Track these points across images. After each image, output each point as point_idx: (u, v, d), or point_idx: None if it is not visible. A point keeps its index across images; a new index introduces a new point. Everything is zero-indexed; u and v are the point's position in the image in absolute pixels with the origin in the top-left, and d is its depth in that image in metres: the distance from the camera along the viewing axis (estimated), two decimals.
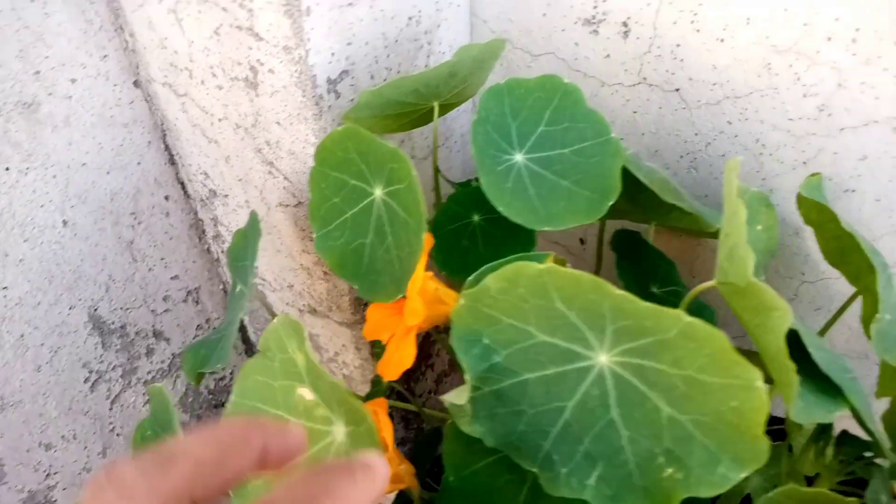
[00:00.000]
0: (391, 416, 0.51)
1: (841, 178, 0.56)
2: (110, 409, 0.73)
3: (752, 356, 0.41)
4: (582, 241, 0.79)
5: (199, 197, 0.72)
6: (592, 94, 0.64)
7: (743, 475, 0.35)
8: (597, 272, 0.62)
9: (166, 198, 0.70)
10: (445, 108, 0.55)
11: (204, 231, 0.76)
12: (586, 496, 0.37)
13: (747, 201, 0.46)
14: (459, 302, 0.37)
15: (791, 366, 0.34)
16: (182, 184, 0.72)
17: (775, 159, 0.58)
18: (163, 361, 0.78)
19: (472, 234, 0.50)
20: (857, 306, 0.52)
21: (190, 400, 0.83)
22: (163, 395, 0.48)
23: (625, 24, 0.58)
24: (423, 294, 0.41)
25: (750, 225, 0.46)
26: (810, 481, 0.53)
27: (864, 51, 0.49)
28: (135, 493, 0.19)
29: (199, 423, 0.85)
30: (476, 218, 0.50)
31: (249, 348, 0.90)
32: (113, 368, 0.71)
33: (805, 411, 0.37)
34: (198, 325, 0.81)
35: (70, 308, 0.66)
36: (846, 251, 0.52)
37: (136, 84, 0.64)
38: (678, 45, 0.56)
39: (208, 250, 0.78)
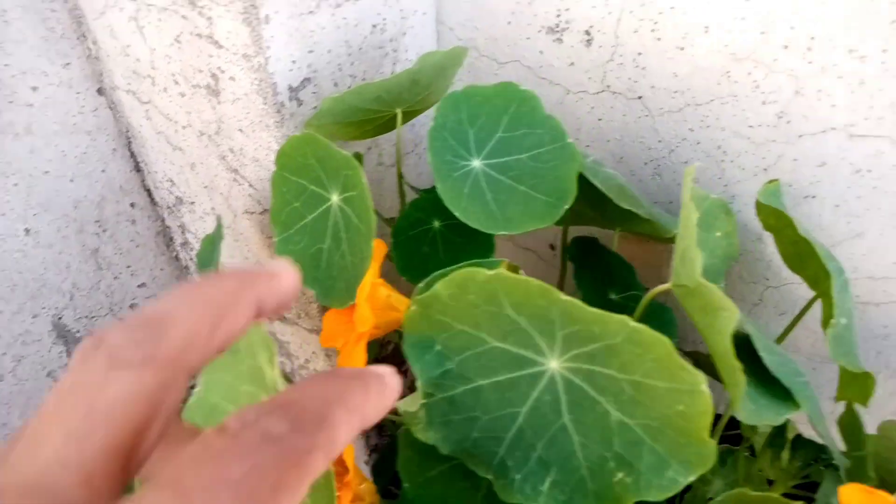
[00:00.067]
0: None
1: (801, 184, 0.57)
2: None
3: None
4: (552, 247, 0.79)
5: (166, 204, 0.71)
6: (558, 101, 0.65)
7: (691, 478, 0.35)
8: (562, 278, 0.62)
9: (132, 205, 0.70)
10: (410, 115, 0.55)
11: (172, 238, 0.75)
12: (540, 502, 0.37)
13: (707, 208, 0.46)
14: (411, 308, 0.37)
15: (737, 365, 0.34)
16: (148, 191, 0.71)
17: (736, 166, 0.58)
18: None
19: (432, 239, 0.50)
20: (819, 311, 0.53)
21: None
22: None
23: (587, 33, 0.58)
24: (374, 300, 0.41)
25: (709, 231, 0.46)
26: (801, 487, 0.53)
27: (820, 59, 0.50)
28: (128, 361, 0.17)
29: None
30: (436, 224, 0.50)
31: None
32: None
33: (755, 413, 0.37)
34: None
35: (34, 317, 0.65)
36: (804, 257, 0.53)
37: (100, 91, 0.64)
38: (640, 54, 0.57)
39: (177, 258, 0.77)
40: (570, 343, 0.36)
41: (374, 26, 0.57)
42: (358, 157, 0.54)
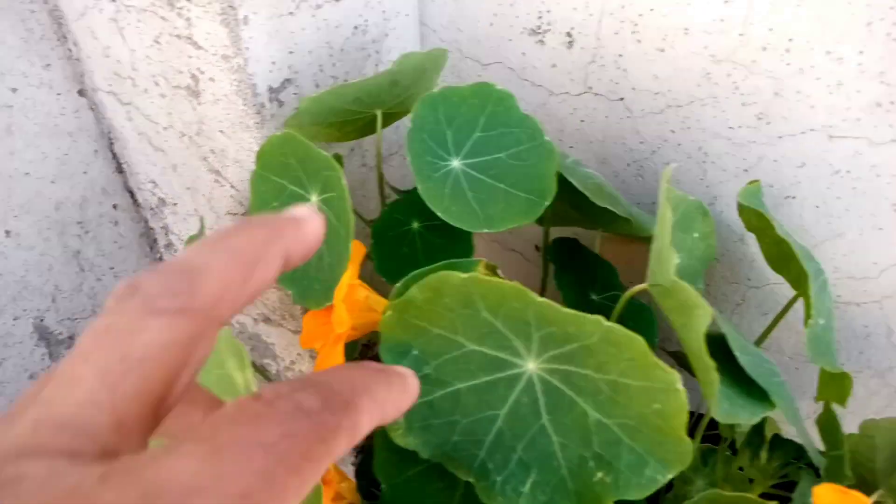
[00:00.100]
0: None
1: (782, 185, 0.57)
2: None
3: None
4: (538, 248, 0.79)
5: (149, 206, 0.71)
6: (541, 102, 0.65)
7: (670, 476, 0.36)
8: (544, 279, 0.62)
9: (115, 207, 0.70)
10: (392, 117, 0.55)
11: (155, 240, 0.75)
12: (521, 503, 0.37)
13: (685, 210, 0.46)
14: (386, 313, 0.37)
15: (711, 364, 0.34)
16: (131, 192, 0.71)
17: (718, 167, 0.59)
18: None
19: (411, 241, 0.50)
20: (802, 311, 0.53)
21: None
22: None
23: (569, 35, 0.58)
24: (352, 302, 0.41)
25: (687, 233, 0.46)
26: (780, 487, 0.54)
27: (798, 60, 0.50)
28: (164, 310, 0.17)
29: None
30: (415, 225, 0.50)
31: None
32: None
33: (730, 413, 0.38)
34: None
35: (14, 319, 0.65)
36: (785, 257, 0.53)
37: (82, 93, 0.63)
38: (620, 56, 0.57)
39: (161, 259, 0.77)
40: (547, 344, 0.36)
41: (356, 28, 0.57)
42: (338, 158, 0.54)
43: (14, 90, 0.58)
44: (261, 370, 0.80)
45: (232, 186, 0.59)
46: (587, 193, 0.47)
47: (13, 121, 0.59)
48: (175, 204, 0.67)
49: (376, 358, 0.77)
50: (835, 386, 0.51)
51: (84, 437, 0.16)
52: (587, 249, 0.62)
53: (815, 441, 0.53)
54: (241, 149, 0.55)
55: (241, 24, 0.47)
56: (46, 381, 0.18)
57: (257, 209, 0.48)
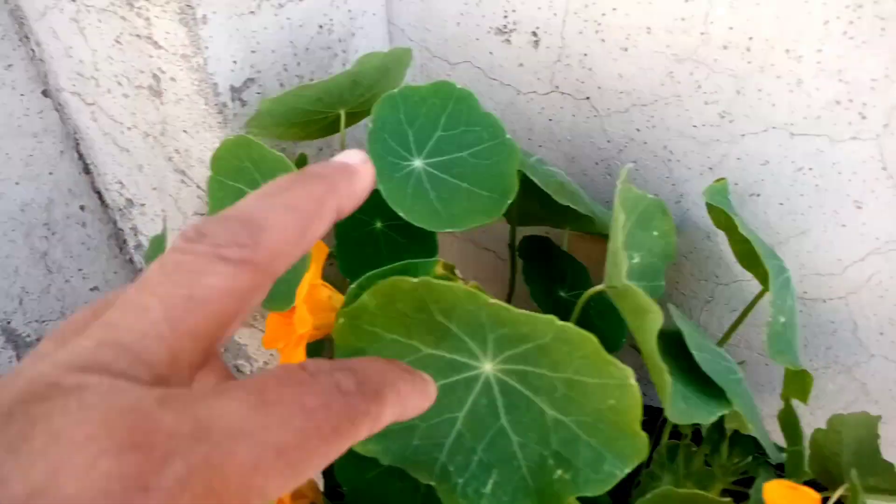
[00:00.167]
0: None
1: (746, 182, 0.57)
2: None
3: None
4: (511, 247, 0.79)
5: (117, 206, 0.71)
6: (509, 102, 0.65)
7: (627, 470, 0.36)
8: (513, 277, 0.62)
9: (82, 208, 0.69)
10: (356, 116, 0.55)
11: (125, 241, 0.75)
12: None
13: (645, 208, 0.46)
14: (339, 321, 0.37)
15: (663, 367, 0.34)
16: (99, 193, 0.70)
17: (683, 165, 0.59)
18: None
19: (375, 241, 0.50)
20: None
21: None
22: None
23: (534, 34, 0.58)
24: (313, 302, 0.41)
25: (646, 231, 0.46)
26: (742, 483, 0.54)
27: (758, 59, 0.50)
28: (228, 257, 0.18)
29: None
30: (379, 225, 0.50)
31: None
32: None
33: (686, 413, 0.38)
34: None
35: None
36: (751, 254, 0.53)
37: (46, 93, 0.63)
38: (585, 55, 0.57)
39: (131, 261, 0.76)
40: (502, 345, 0.36)
41: (321, 27, 0.56)
42: (302, 158, 0.54)
43: None
44: (234, 371, 0.79)
45: (198, 186, 0.59)
46: (549, 192, 0.47)
47: None
48: (143, 205, 0.67)
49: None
50: (797, 383, 0.52)
51: (141, 365, 0.17)
52: (557, 247, 0.62)
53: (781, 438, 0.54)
54: (205, 149, 0.55)
55: (199, 24, 0.46)
56: (111, 301, 0.19)
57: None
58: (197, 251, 0.18)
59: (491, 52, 0.62)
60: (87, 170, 0.68)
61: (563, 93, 0.61)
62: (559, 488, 0.37)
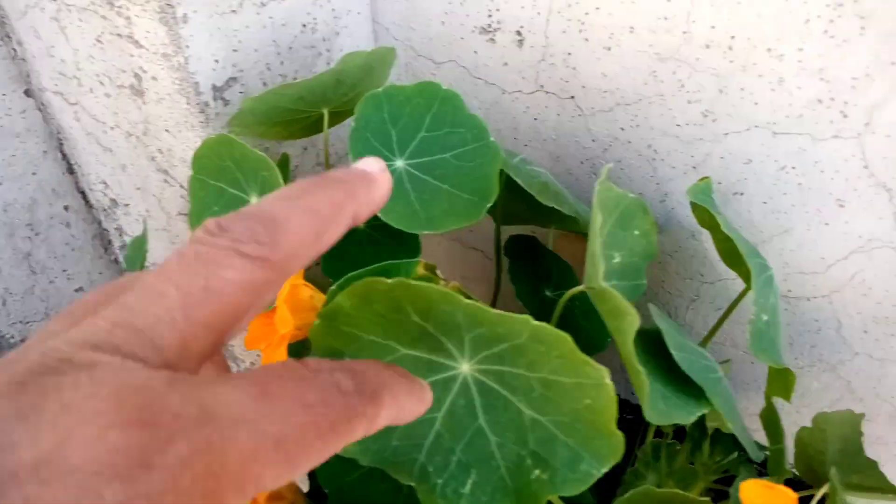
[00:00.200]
0: None
1: (729, 181, 0.57)
2: None
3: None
4: (497, 246, 0.79)
5: (102, 206, 0.70)
6: (494, 101, 0.65)
7: (604, 470, 0.36)
8: (498, 277, 0.62)
9: (66, 208, 0.69)
10: (340, 116, 0.55)
11: (110, 241, 0.74)
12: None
13: (625, 207, 0.46)
14: (315, 322, 0.36)
15: (640, 369, 0.34)
16: (83, 193, 0.70)
17: (667, 164, 0.59)
18: None
19: (358, 241, 0.50)
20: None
21: None
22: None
23: (518, 33, 0.58)
24: (294, 302, 0.41)
25: (627, 230, 0.46)
26: (724, 481, 0.54)
27: (740, 58, 0.50)
28: (249, 251, 0.19)
29: None
30: (362, 225, 0.50)
31: None
32: None
33: (665, 413, 0.38)
34: None
35: None
36: (734, 253, 0.53)
37: (28, 93, 0.62)
38: (569, 54, 0.57)
39: (116, 261, 0.76)
40: (479, 345, 0.36)
41: (305, 26, 0.56)
42: (285, 157, 0.54)
43: None
44: None
45: (181, 186, 0.59)
46: (532, 192, 0.47)
47: None
48: (127, 205, 0.67)
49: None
50: (780, 381, 0.52)
51: (152, 349, 0.17)
52: (543, 247, 0.62)
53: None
54: (187, 148, 0.54)
55: (179, 23, 0.46)
56: (115, 289, 0.20)
57: (197, 215, 0.48)
58: (217, 244, 0.19)
59: (476, 52, 0.62)
60: (70, 170, 0.68)
61: (547, 92, 0.61)
62: (537, 488, 0.37)
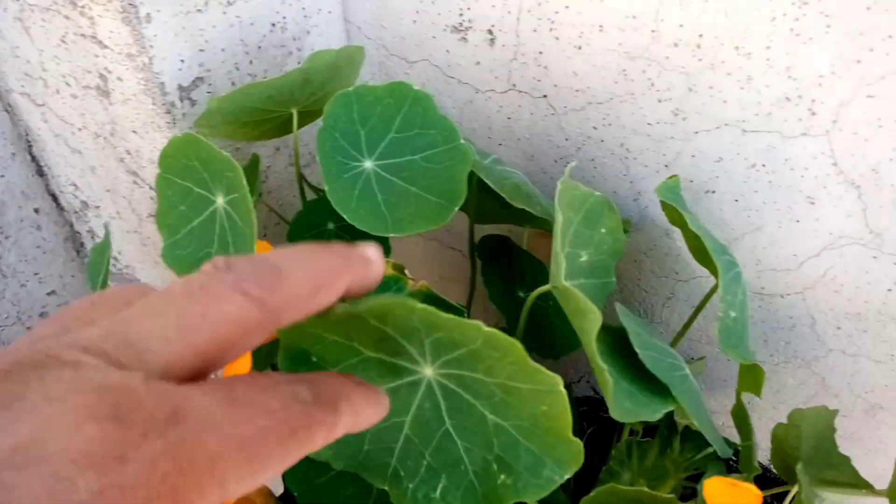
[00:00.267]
0: None
1: (701, 179, 0.57)
2: None
3: None
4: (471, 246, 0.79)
5: (73, 209, 0.69)
6: (468, 100, 0.64)
7: (567, 476, 0.36)
8: (473, 277, 0.62)
9: (36, 210, 0.68)
10: (310, 115, 0.54)
11: (82, 244, 0.73)
12: None
13: (591, 206, 0.46)
14: None
15: (603, 366, 0.34)
16: (53, 196, 0.69)
17: (639, 163, 0.59)
18: None
19: (327, 242, 0.49)
20: None
21: None
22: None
23: (490, 32, 0.58)
24: None
25: (594, 229, 0.46)
26: (695, 478, 0.54)
27: (709, 56, 0.50)
28: (249, 290, 0.20)
29: None
30: (331, 226, 0.50)
31: None
32: None
33: (631, 411, 0.38)
34: None
35: None
36: (703, 250, 0.53)
37: None
38: (541, 53, 0.57)
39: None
40: (438, 350, 0.35)
41: (274, 25, 0.56)
42: (255, 158, 0.54)
43: None
44: None
45: (150, 188, 0.58)
46: (503, 194, 0.47)
47: None
48: (97, 207, 0.66)
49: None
50: (750, 377, 0.52)
51: (138, 361, 0.18)
52: (516, 247, 0.62)
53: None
54: (155, 149, 0.54)
55: (143, 22, 0.45)
56: (123, 300, 0.21)
57: (165, 213, 0.47)
58: (222, 279, 0.20)
59: (448, 51, 0.62)
60: (40, 172, 0.67)
61: (520, 91, 0.61)
62: (502, 493, 0.37)
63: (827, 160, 0.51)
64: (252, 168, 0.53)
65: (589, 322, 0.34)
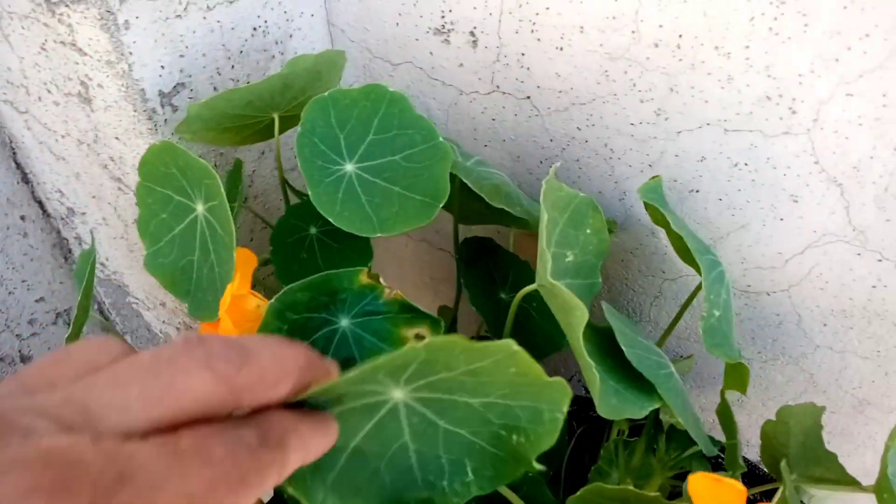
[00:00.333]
0: None
1: (685, 179, 0.58)
2: None
3: None
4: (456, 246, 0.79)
5: (59, 216, 0.69)
6: (452, 102, 0.64)
7: (565, 408, 0.35)
8: (459, 278, 0.62)
9: (22, 218, 0.68)
10: (292, 120, 0.54)
11: (70, 250, 0.73)
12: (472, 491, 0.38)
13: (576, 206, 0.46)
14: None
15: (590, 362, 0.34)
16: (40, 203, 0.69)
17: (624, 163, 0.59)
18: None
19: (310, 246, 0.49)
20: None
21: None
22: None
23: (472, 34, 0.58)
24: (240, 313, 0.41)
25: (579, 229, 0.46)
26: (682, 477, 0.54)
27: (689, 56, 0.51)
28: (217, 368, 0.20)
29: None
30: (313, 230, 0.50)
31: None
32: None
33: (616, 408, 0.38)
34: None
35: None
36: (686, 250, 0.54)
37: None
38: (523, 54, 0.57)
39: None
40: (397, 375, 0.35)
41: (255, 29, 0.56)
42: (238, 164, 0.54)
43: None
44: None
45: (135, 194, 0.58)
46: (482, 194, 0.47)
47: None
48: (83, 213, 0.66)
49: None
50: (735, 375, 0.52)
51: (92, 430, 0.18)
52: (500, 248, 0.62)
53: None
54: (138, 155, 0.54)
55: (121, 29, 0.45)
56: (92, 366, 0.21)
57: (146, 222, 0.47)
58: (191, 354, 0.20)
59: (431, 53, 0.62)
60: (25, 179, 0.67)
61: (504, 92, 0.61)
62: (522, 451, 0.37)
63: (809, 158, 0.51)
64: (235, 173, 0.53)
65: (576, 318, 0.34)
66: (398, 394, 0.35)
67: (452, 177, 0.48)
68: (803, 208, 0.54)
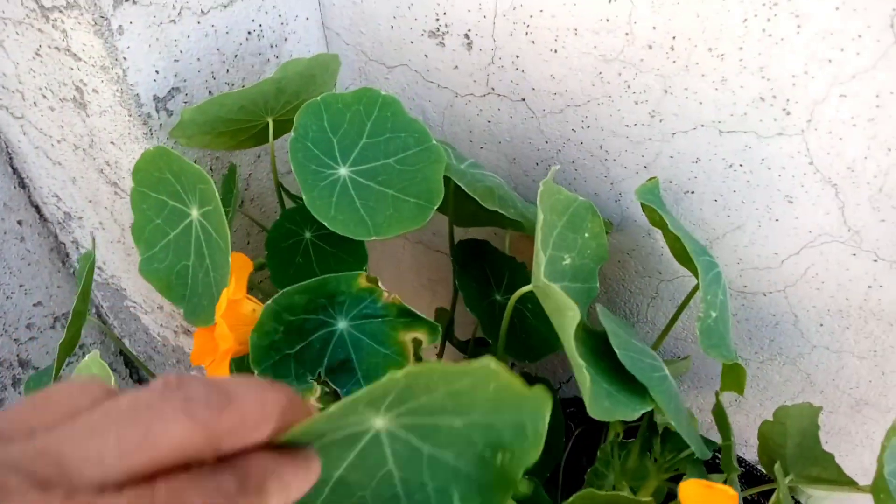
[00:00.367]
0: None
1: (680, 180, 0.58)
2: None
3: None
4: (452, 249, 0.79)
5: (56, 220, 0.69)
6: (448, 104, 0.65)
7: (547, 418, 0.35)
8: (455, 281, 0.62)
9: (19, 222, 0.68)
10: (286, 124, 0.54)
11: (67, 254, 0.73)
12: None
13: (574, 210, 0.46)
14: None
15: (581, 363, 0.34)
16: (37, 207, 0.69)
17: (619, 164, 0.59)
18: None
19: (305, 250, 0.49)
20: None
21: None
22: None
23: (467, 37, 0.58)
24: (235, 318, 0.41)
25: (577, 233, 0.46)
26: (678, 479, 0.54)
27: (682, 58, 0.51)
28: (196, 413, 0.20)
29: None
30: (308, 234, 0.50)
31: (133, 371, 0.87)
32: None
33: (609, 410, 0.38)
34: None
35: None
36: (683, 251, 0.54)
37: None
38: (517, 57, 0.57)
39: (74, 274, 0.75)
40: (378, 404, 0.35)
41: (250, 33, 0.56)
42: (232, 168, 0.54)
43: None
44: None
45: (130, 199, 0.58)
46: (475, 196, 0.47)
47: None
48: (80, 217, 0.66)
49: None
50: (732, 376, 0.52)
51: (65, 485, 0.18)
52: (495, 250, 0.62)
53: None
54: (133, 160, 0.54)
55: (115, 34, 0.45)
56: (70, 412, 0.20)
57: (141, 227, 0.47)
58: (170, 398, 0.20)
59: (426, 55, 0.62)
60: (22, 184, 0.67)
61: (499, 94, 0.61)
62: (509, 467, 0.37)
63: (803, 159, 0.51)
64: (230, 178, 0.53)
65: (568, 319, 0.34)
66: (379, 422, 0.35)
67: (447, 179, 0.48)
68: (798, 209, 0.54)
